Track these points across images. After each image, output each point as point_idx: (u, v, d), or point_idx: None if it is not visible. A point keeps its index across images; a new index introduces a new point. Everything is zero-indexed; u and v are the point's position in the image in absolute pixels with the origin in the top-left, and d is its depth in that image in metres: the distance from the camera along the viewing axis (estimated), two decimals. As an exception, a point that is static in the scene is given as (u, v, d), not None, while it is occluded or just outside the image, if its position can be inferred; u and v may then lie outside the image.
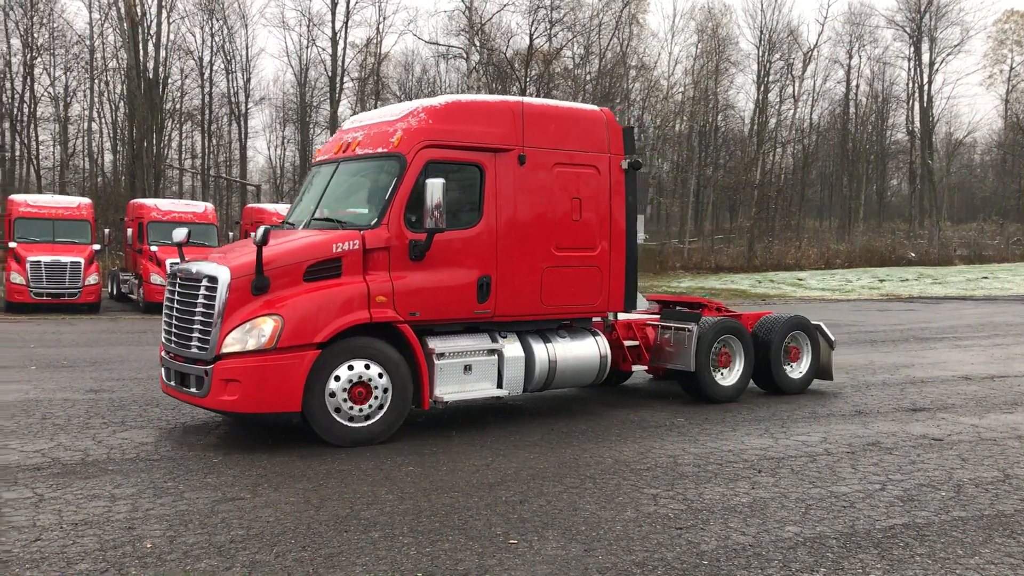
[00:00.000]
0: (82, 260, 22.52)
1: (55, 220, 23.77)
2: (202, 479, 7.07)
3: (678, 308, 11.87)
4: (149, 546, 5.49)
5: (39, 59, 50.14)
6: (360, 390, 8.26)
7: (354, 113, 54.89)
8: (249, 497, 6.59)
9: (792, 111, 60.08)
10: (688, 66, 60.92)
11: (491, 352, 9.14)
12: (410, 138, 8.77)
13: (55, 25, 50.53)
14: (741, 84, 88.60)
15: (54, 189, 47.07)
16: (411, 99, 60.33)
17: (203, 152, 57.37)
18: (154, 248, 23.20)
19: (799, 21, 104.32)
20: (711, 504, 6.61)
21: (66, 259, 22.36)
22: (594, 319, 10.31)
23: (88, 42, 49.50)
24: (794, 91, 60.31)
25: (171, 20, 49.07)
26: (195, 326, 8.28)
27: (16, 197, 25.65)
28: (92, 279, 22.74)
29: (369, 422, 8.33)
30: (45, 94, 50.78)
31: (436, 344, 8.80)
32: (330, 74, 52.43)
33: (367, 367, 8.29)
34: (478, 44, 52.56)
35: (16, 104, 49.49)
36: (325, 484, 6.99)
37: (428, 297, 8.68)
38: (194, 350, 8.27)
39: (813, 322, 11.80)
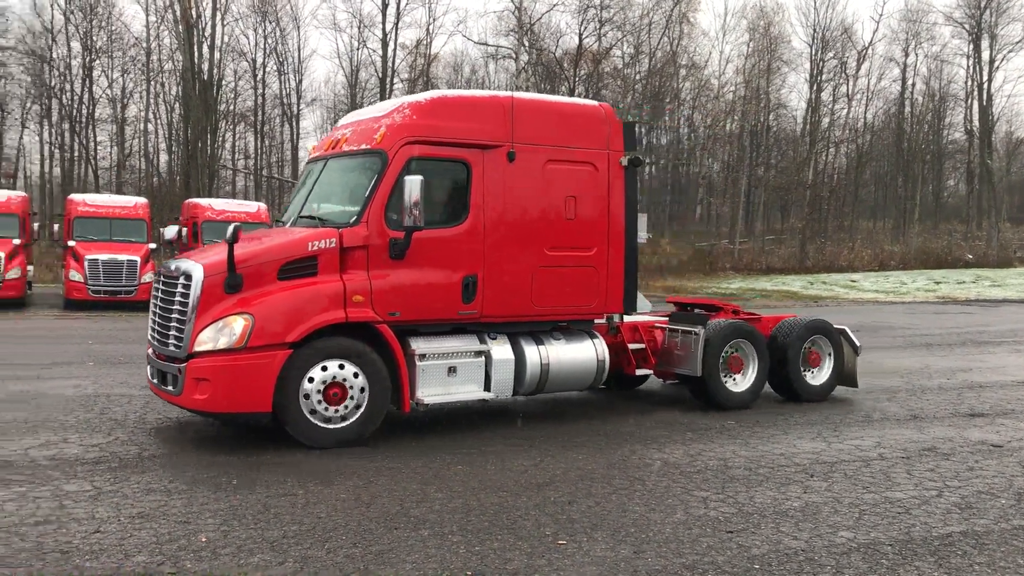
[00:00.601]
0: (138, 259, 22.99)
1: (112, 219, 24.29)
2: (255, 475, 7.17)
3: (695, 311, 11.63)
4: (204, 540, 5.59)
5: (97, 61, 51.31)
6: (335, 391, 8.09)
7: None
8: (301, 493, 6.67)
9: (845, 110, 59.16)
10: (739, 65, 60.30)
11: (478, 354, 8.89)
12: (393, 134, 8.59)
13: (113, 28, 51.71)
14: (793, 83, 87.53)
15: (111, 189, 48.12)
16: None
17: (256, 152, 58.26)
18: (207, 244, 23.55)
19: (853, 19, 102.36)
20: (762, 508, 6.53)
21: (123, 257, 22.84)
22: (597, 321, 9.99)
23: (145, 45, 50.54)
24: (848, 90, 59.34)
25: (225, 22, 49.87)
26: (172, 324, 8.22)
27: (75, 197, 26.26)
28: (148, 277, 23.19)
29: (344, 423, 8.14)
30: (103, 96, 51.96)
31: (419, 345, 8.58)
32: (380, 75, 52.80)
33: (343, 368, 8.11)
34: (527, 44, 52.57)
35: (75, 106, 50.69)
36: (375, 481, 7.04)
37: (409, 297, 8.47)
38: (171, 348, 8.19)
39: (837, 326, 11.37)
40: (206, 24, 48.05)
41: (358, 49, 55.96)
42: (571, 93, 56.67)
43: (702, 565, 5.35)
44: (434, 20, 71.24)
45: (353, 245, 8.30)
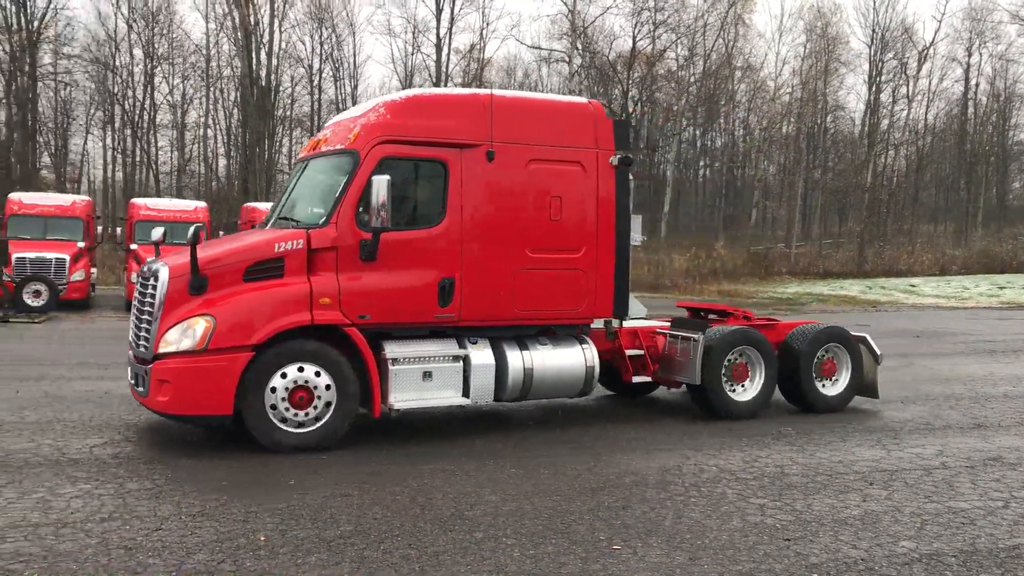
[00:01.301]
0: None
1: (172, 223, 24.79)
2: (312, 476, 7.26)
3: (703, 315, 11.33)
4: (263, 539, 5.68)
5: (159, 68, 52.50)
6: (301, 395, 7.96)
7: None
8: (357, 494, 6.74)
9: (906, 112, 58.09)
10: (796, 66, 59.61)
11: (456, 359, 8.64)
12: (366, 134, 8.44)
13: (174, 36, 52.93)
14: (851, 84, 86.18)
15: (171, 193, 49.19)
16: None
17: (311, 157, 59.07)
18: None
19: (914, 18, 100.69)
20: (820, 516, 6.43)
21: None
22: (594, 326, 9.69)
23: (204, 51, 51.61)
24: (908, 91, 58.26)
25: (283, 29, 50.74)
26: (143, 325, 8.19)
27: (136, 201, 26.90)
28: None
29: (310, 428, 8.03)
30: (164, 102, 53.15)
31: (392, 349, 8.39)
32: (434, 80, 53.17)
33: (309, 371, 7.99)
34: (580, 47, 52.49)
35: (137, 112, 51.91)
36: (431, 483, 7.09)
37: (380, 299, 8.28)
38: (141, 348, 8.15)
39: (856, 333, 10.89)
40: (264, 31, 48.93)
41: (412, 54, 56.58)
42: (625, 96, 56.56)
43: (759, 573, 5.29)
44: (487, 24, 71.79)
45: (321, 246, 8.16)
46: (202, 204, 27.05)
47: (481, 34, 57.20)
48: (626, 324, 10.13)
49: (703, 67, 55.83)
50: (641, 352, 10.13)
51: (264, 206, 27.46)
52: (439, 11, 52.91)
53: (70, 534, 5.65)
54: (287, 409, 7.94)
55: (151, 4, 52.26)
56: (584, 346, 9.40)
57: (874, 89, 58.64)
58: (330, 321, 8.09)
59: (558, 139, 9.17)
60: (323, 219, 8.28)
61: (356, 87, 56.73)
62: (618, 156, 9.43)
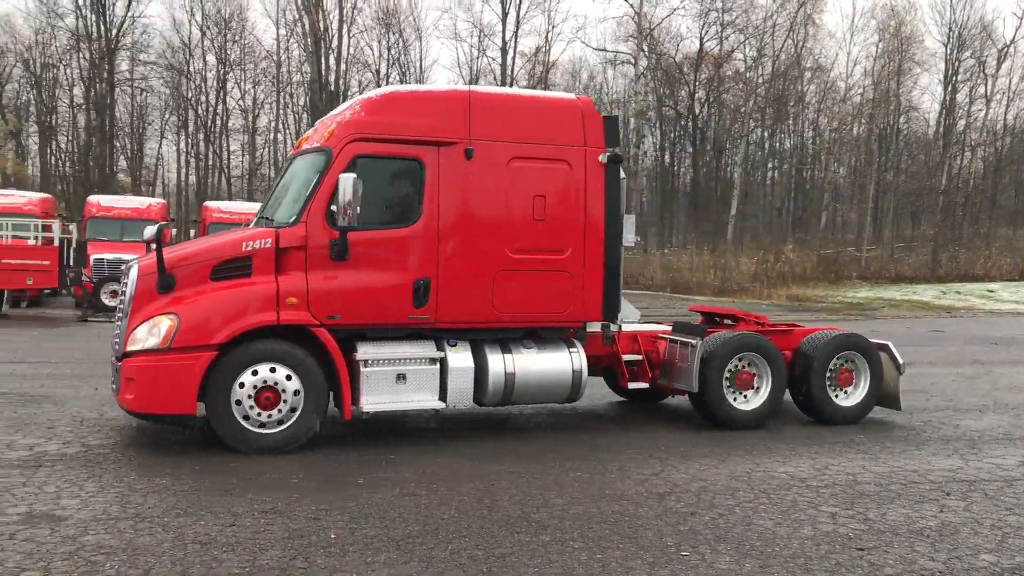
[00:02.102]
0: None
1: (245, 225, 25.36)
2: (380, 474, 7.35)
3: (718, 320, 10.99)
4: (333, 537, 5.76)
5: (231, 74, 53.71)
6: (268, 395, 7.88)
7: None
8: (424, 494, 6.80)
9: (983, 112, 56.40)
10: (868, 67, 58.35)
11: (432, 361, 8.43)
12: (340, 131, 8.33)
13: (246, 42, 54.11)
14: (926, 84, 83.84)
15: (243, 196, 50.25)
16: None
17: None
18: None
19: (993, 15, 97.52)
20: (895, 526, 6.28)
21: None
22: (590, 330, 9.35)
23: (275, 57, 52.62)
24: (986, 90, 56.58)
25: (351, 35, 51.52)
26: (117, 323, 8.28)
27: (209, 204, 27.58)
28: None
29: (276, 429, 7.94)
30: (236, 107, 54.34)
31: (365, 350, 8.24)
32: (499, 83, 53.39)
33: (277, 372, 7.92)
34: (646, 49, 52.19)
35: (210, 116, 53.16)
36: (496, 485, 7.11)
37: (351, 300, 8.14)
38: (115, 346, 8.22)
39: (877, 341, 10.32)
40: (333, 36, 49.73)
41: (478, 58, 56.81)
42: (691, 97, 56.07)
43: (832, 583, 5.18)
44: (553, 27, 71.63)
45: (290, 245, 8.06)
46: None
47: (546, 37, 57.31)
48: (627, 328, 9.83)
49: (771, 68, 55.01)
50: (639, 357, 9.76)
51: None
52: (505, 14, 53.18)
53: (148, 528, 5.81)
54: (252, 409, 7.87)
55: (224, 11, 53.63)
56: (572, 350, 9.09)
57: (950, 89, 57.09)
58: (297, 321, 7.99)
59: (543, 136, 8.88)
60: (293, 218, 8.21)
61: (422, 91, 57.18)
62: (607, 154, 9.07)
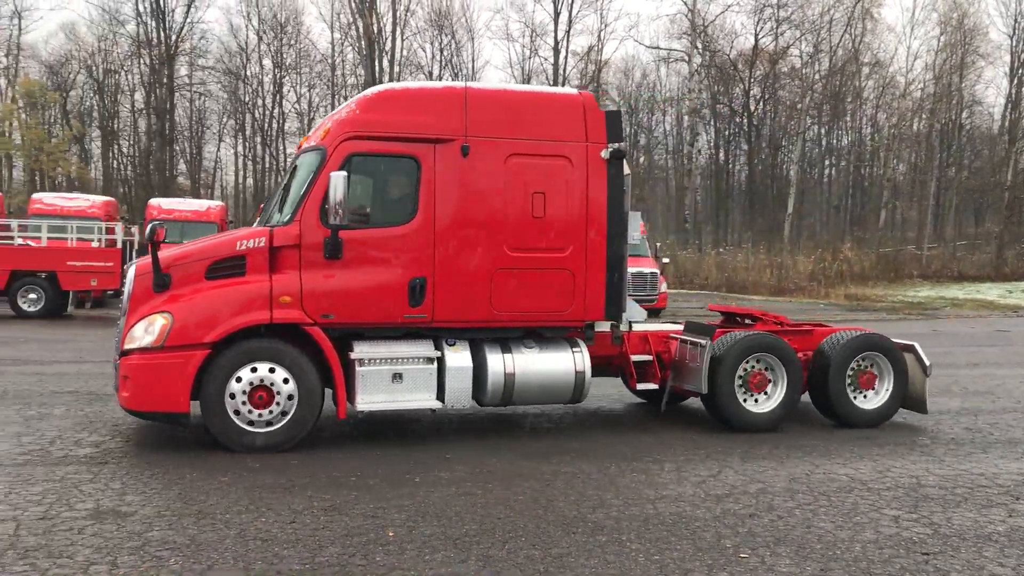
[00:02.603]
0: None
1: None
2: (436, 474, 7.39)
3: (739, 320, 10.69)
4: (391, 535, 5.81)
5: (287, 78, 54.49)
6: (261, 394, 7.90)
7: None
8: (480, 493, 6.82)
9: (1050, 105, 54.77)
10: (929, 61, 57.03)
11: (429, 360, 8.35)
12: (336, 130, 8.31)
13: (301, 46, 54.85)
14: (990, 78, 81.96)
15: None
16: (630, 106, 60.44)
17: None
18: None
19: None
20: (961, 530, 6.13)
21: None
22: (599, 329, 9.21)
23: (330, 60, 53.26)
24: (1053, 83, 54.96)
25: (404, 37, 51.90)
26: (119, 322, 8.35)
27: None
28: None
29: (271, 428, 7.95)
30: (292, 110, 55.10)
31: (360, 349, 8.21)
32: (551, 83, 53.36)
33: (271, 371, 7.93)
34: (700, 46, 51.72)
35: (266, 120, 53.99)
36: (552, 485, 7.10)
37: (345, 298, 8.11)
38: (115, 345, 8.27)
39: (903, 341, 9.98)
40: (386, 39, 50.18)
41: (530, 58, 56.83)
42: (746, 94, 55.43)
43: (896, 588, 5.08)
44: (605, 26, 71.38)
45: (284, 244, 8.07)
46: None
47: (599, 36, 57.09)
48: (639, 328, 9.68)
49: (828, 64, 54.15)
50: (650, 358, 9.56)
51: None
52: (557, 14, 53.13)
53: (210, 524, 5.92)
54: (246, 407, 7.90)
55: (280, 16, 54.42)
56: (575, 351, 8.92)
57: (1015, 82, 55.60)
58: (290, 320, 8.00)
59: (542, 132, 8.71)
60: (288, 217, 8.24)
61: (475, 92, 57.36)
62: (610, 149, 8.84)
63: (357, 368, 8.15)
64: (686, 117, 54.05)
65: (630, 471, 7.62)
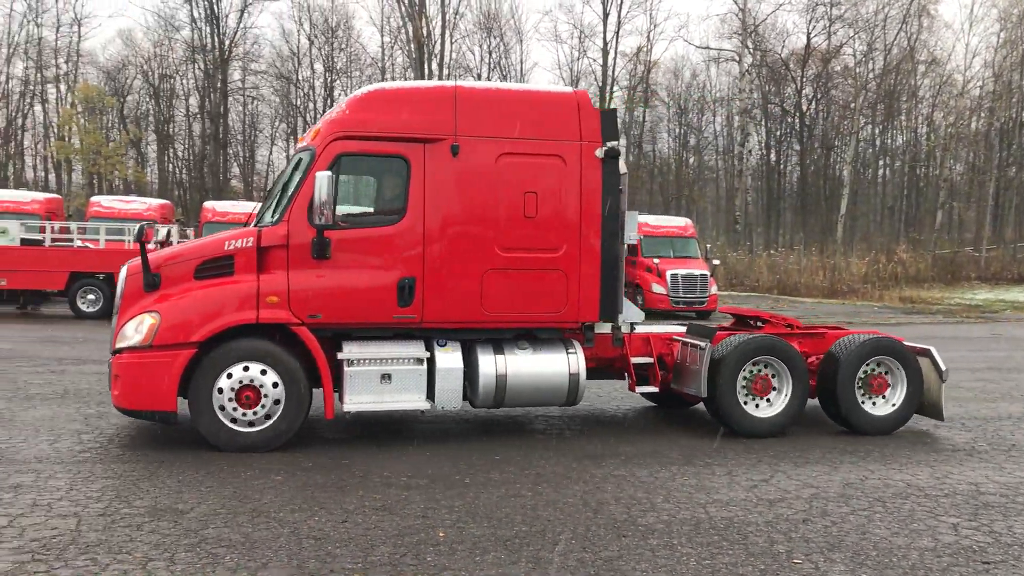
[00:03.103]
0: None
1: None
2: (487, 474, 7.41)
3: (752, 323, 10.43)
4: (441, 535, 5.84)
5: (337, 81, 55.07)
6: (249, 394, 7.93)
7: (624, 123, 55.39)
8: (530, 495, 6.82)
9: (1115, 102, 53.20)
10: (988, 58, 55.72)
11: (418, 361, 8.29)
12: (325, 130, 8.31)
13: (351, 50, 55.40)
14: (1051, 75, 79.48)
15: (349, 200, 51.44)
16: (680, 107, 60.03)
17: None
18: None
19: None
20: (1023, 539, 5.99)
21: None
22: (599, 331, 9.08)
23: (379, 64, 53.71)
24: (1118, 80, 53.35)
25: (453, 40, 52.12)
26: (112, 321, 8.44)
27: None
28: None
29: (259, 427, 7.98)
30: (343, 113, 55.68)
31: (349, 349, 8.22)
32: (600, 84, 53.22)
33: (260, 371, 7.96)
34: (751, 46, 51.20)
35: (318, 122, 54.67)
36: (602, 488, 7.08)
37: (333, 298, 8.09)
38: (109, 344, 8.39)
39: (918, 345, 9.67)
40: (435, 42, 50.45)
41: (578, 59, 56.88)
42: (798, 94, 54.73)
43: (955, 597, 4.98)
44: (655, 27, 71.24)
45: (272, 244, 8.08)
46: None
47: (648, 36, 56.83)
48: (641, 329, 9.53)
49: (883, 62, 53.23)
50: (650, 360, 9.39)
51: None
52: (606, 15, 52.95)
53: (264, 523, 6.00)
54: (233, 407, 7.94)
55: (331, 20, 55.02)
56: (570, 352, 8.79)
57: (1078, 79, 54.04)
58: (277, 320, 8.01)
59: (535, 131, 8.60)
60: (277, 217, 8.25)
61: (523, 94, 57.36)
62: (604, 148, 8.70)
63: (345, 368, 8.16)
64: (736, 117, 53.55)
65: (680, 475, 7.56)
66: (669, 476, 7.51)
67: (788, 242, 53.19)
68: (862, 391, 9.40)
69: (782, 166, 61.11)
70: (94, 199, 28.01)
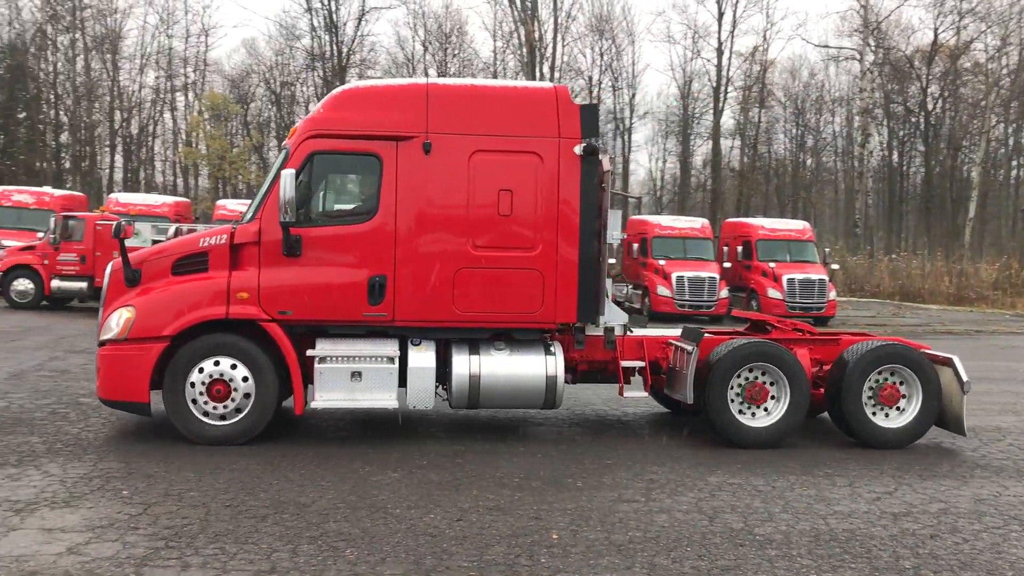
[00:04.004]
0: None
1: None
2: (599, 478, 7.39)
3: (765, 327, 9.87)
4: (555, 537, 5.85)
5: (451, 86, 55.86)
6: (219, 388, 8.04)
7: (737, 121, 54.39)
8: (643, 500, 6.76)
9: None
10: None
11: (389, 359, 8.22)
12: (301, 129, 8.37)
13: (464, 55, 56.04)
14: None
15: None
16: (797, 107, 58.44)
17: (590, 166, 60.11)
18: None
19: None
20: None
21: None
22: (590, 332, 8.87)
23: (492, 68, 54.18)
24: None
25: (565, 43, 52.14)
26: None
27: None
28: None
29: (227, 422, 8.08)
30: (455, 118, 56.42)
31: (322, 346, 8.23)
32: (714, 84, 52.35)
33: (231, 366, 8.07)
34: (873, 43, 49.46)
35: (432, 128, 55.55)
36: (717, 496, 6.96)
37: (303, 295, 8.14)
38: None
39: (939, 354, 9.09)
40: (547, 45, 50.57)
41: (692, 59, 55.81)
42: (923, 92, 52.58)
43: (1100, 623, 4.69)
44: (771, 25, 69.68)
45: (245, 242, 8.19)
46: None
47: (764, 35, 55.36)
48: (638, 332, 9.32)
49: (1018, 57, 50.58)
50: (642, 364, 9.08)
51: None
52: (720, 14, 52.04)
53: (382, 518, 6.13)
54: (204, 400, 8.08)
55: (444, 26, 55.79)
56: (549, 355, 8.57)
57: None
58: (247, 315, 8.10)
59: (510, 128, 8.46)
60: (250, 215, 8.38)
61: (634, 96, 57.04)
62: (583, 145, 8.47)
63: (316, 365, 8.20)
64: (857, 117, 51.78)
65: (799, 485, 7.36)
66: (787, 486, 7.32)
67: (911, 246, 51.11)
68: (872, 401, 8.88)
69: (905, 167, 58.79)
70: (219, 202, 29.20)
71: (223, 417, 8.15)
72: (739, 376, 8.70)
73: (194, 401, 8.11)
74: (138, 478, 6.97)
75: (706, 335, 9.02)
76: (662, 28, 67.26)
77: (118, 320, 8.14)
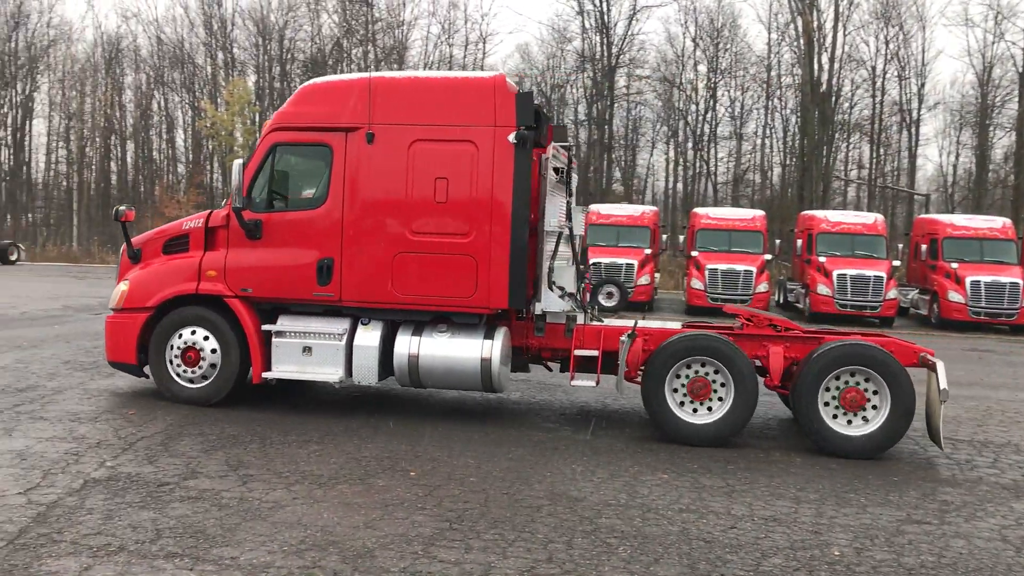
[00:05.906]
0: (754, 269, 24.06)
1: (731, 231, 25.77)
2: (884, 495, 6.94)
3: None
4: (837, 554, 5.56)
5: (721, 81, 54.74)
6: (191, 355, 9.17)
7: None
8: (936, 523, 6.27)
9: None
10: None
11: (338, 336, 8.86)
12: (270, 123, 9.16)
13: (736, 49, 54.71)
14: None
15: (728, 203, 50.98)
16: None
17: (870, 162, 56.60)
18: (823, 259, 23.68)
19: None
20: None
21: (740, 268, 24.12)
22: (550, 320, 9.13)
23: (766, 62, 52.49)
24: None
25: (846, 32, 49.42)
26: None
27: (698, 210, 28.35)
28: (762, 287, 24.15)
29: (199, 384, 9.19)
30: (725, 114, 55.23)
31: (282, 322, 9.01)
32: (1019, 70, 47.41)
33: (203, 337, 9.15)
34: None
35: (699, 125, 54.73)
36: (1022, 524, 6.29)
37: (261, 275, 8.98)
38: None
39: (928, 358, 8.18)
40: (826, 36, 48.21)
41: (993, 43, 50.85)
42: None
43: None
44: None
45: (217, 225, 9.21)
46: (760, 213, 27.56)
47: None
48: (606, 322, 9.56)
49: None
50: (594, 353, 8.95)
51: (822, 214, 27.03)
52: (1027, -7, 47.01)
53: (654, 519, 6.13)
54: (178, 364, 9.23)
55: (716, 21, 54.78)
56: (487, 339, 8.72)
57: None
58: (214, 291, 9.13)
59: (448, 117, 8.68)
60: (225, 201, 9.17)
61: (923, 85, 52.86)
62: (515, 133, 8.43)
63: (273, 339, 9.02)
64: None
65: (915, 506, 6.50)
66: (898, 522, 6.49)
67: None
68: (831, 406, 8.22)
69: None
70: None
71: (192, 381, 9.29)
72: (679, 370, 8.46)
73: (171, 362, 9.30)
74: (424, 461, 7.44)
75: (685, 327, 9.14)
76: (958, 10, 61.72)
77: (119, 291, 9.53)
